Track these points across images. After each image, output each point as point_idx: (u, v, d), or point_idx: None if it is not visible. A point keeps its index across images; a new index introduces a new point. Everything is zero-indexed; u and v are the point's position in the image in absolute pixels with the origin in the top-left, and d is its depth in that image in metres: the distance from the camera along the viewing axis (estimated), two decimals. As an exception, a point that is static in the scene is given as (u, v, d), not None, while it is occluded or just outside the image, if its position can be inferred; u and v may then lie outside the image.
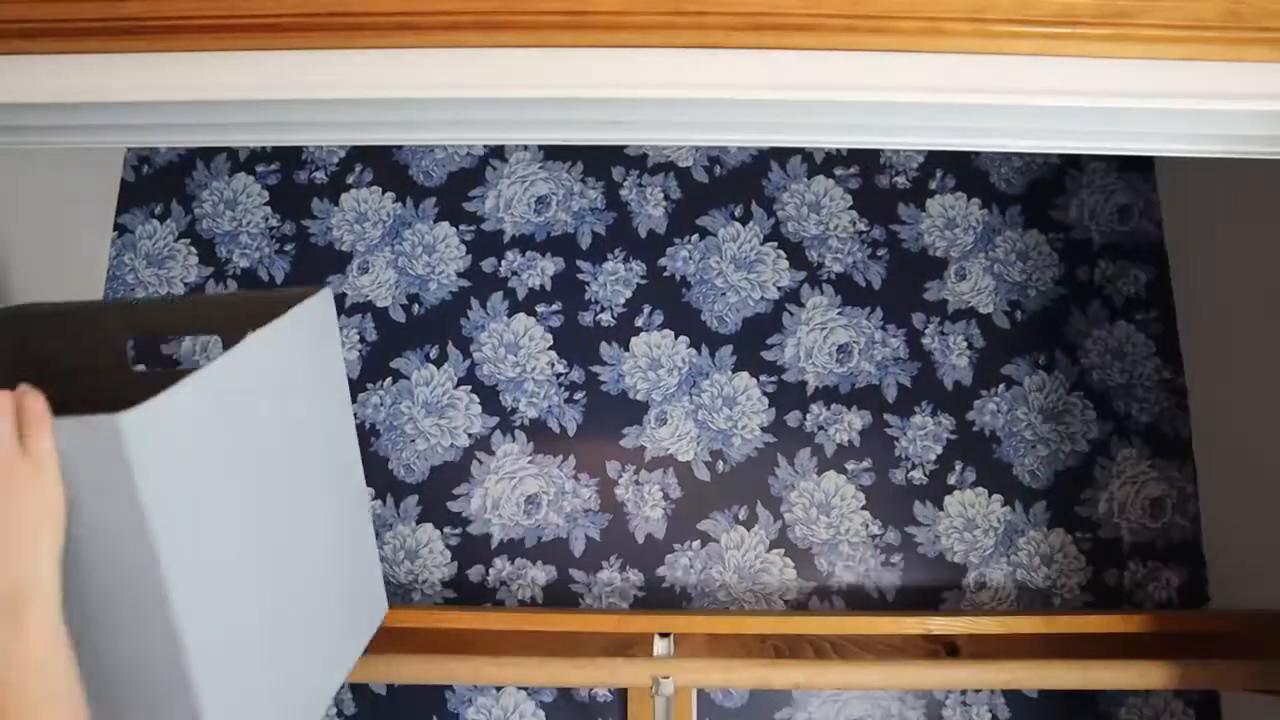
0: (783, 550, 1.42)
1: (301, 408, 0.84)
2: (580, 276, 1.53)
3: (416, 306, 1.53)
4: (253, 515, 0.75)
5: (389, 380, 1.50)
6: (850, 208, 1.55)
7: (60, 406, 0.60)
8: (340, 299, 1.53)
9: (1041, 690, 1.35)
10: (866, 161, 1.57)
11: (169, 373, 0.87)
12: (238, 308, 0.94)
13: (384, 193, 1.58)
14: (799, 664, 1.18)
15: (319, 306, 0.85)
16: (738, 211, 1.55)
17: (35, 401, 0.58)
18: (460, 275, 1.54)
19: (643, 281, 1.53)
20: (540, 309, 1.52)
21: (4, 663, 0.52)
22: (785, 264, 1.53)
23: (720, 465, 1.46)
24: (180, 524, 0.63)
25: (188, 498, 0.65)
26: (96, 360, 0.95)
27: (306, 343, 0.84)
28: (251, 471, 0.76)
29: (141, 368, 1.33)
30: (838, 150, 1.58)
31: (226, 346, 0.77)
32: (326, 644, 0.89)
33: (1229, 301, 1.37)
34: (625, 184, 1.57)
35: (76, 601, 0.60)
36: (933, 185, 1.56)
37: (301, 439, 0.85)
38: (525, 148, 1.59)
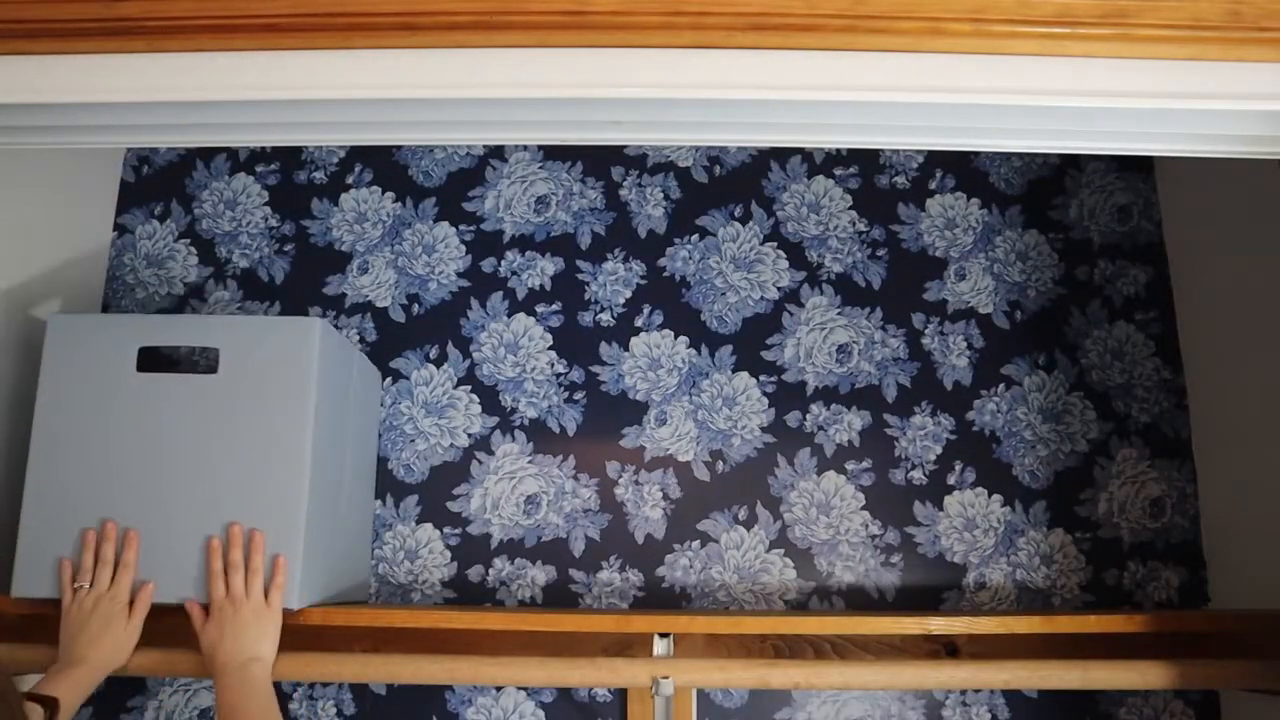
0: (782, 550, 1.42)
1: (355, 404, 1.35)
2: (580, 276, 1.53)
3: (416, 306, 1.53)
4: (334, 441, 1.25)
5: (389, 380, 1.50)
6: (850, 208, 1.55)
7: None
8: (340, 299, 1.53)
9: (1041, 690, 1.35)
10: (866, 161, 1.57)
11: None
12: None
13: (384, 193, 1.58)
14: (799, 664, 1.17)
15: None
16: (738, 211, 1.55)
17: (281, 573, 1.11)
18: (460, 275, 1.54)
19: (642, 281, 1.53)
20: (540, 309, 1.52)
21: (266, 681, 1.07)
22: (785, 264, 1.53)
23: (720, 465, 1.46)
24: (322, 414, 1.18)
25: (326, 396, 1.21)
26: None
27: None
28: (338, 415, 1.27)
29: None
30: (838, 150, 1.58)
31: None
32: (351, 566, 1.36)
33: (1229, 301, 1.37)
34: (625, 184, 1.57)
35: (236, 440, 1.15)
36: (932, 185, 1.56)
37: (356, 419, 1.36)
38: (525, 148, 1.59)
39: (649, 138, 0.93)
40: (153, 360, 1.20)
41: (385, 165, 1.59)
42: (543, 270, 1.54)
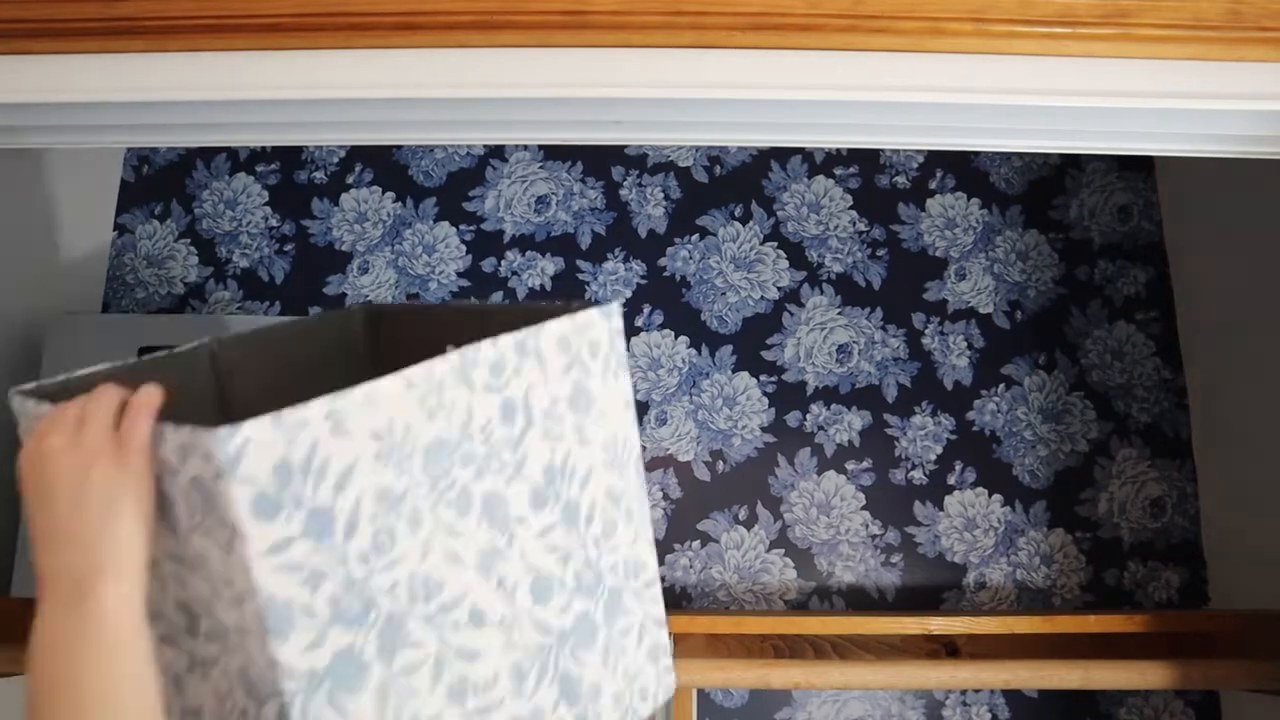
0: (783, 550, 1.42)
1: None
2: (580, 276, 1.53)
3: (416, 306, 1.53)
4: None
5: (389, 380, 1.50)
6: (850, 208, 1.55)
7: None
8: (340, 299, 1.53)
9: (1041, 690, 1.35)
10: (866, 161, 1.57)
11: None
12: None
13: (384, 193, 1.58)
14: (799, 664, 1.17)
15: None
16: (738, 211, 1.55)
17: (147, 393, 0.58)
18: (460, 275, 1.54)
19: (643, 281, 1.53)
20: (540, 309, 1.52)
21: (70, 646, 0.53)
22: (785, 264, 1.53)
23: (720, 465, 1.46)
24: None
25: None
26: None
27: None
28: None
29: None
30: (838, 150, 1.58)
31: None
32: None
33: (1229, 301, 1.37)
34: (625, 184, 1.57)
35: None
36: (933, 185, 1.56)
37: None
38: (525, 148, 1.59)
39: (649, 138, 0.93)
40: None
41: (385, 165, 1.59)
42: (543, 270, 1.54)
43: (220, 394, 0.80)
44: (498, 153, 1.59)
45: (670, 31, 0.80)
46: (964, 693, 1.37)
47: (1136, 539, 1.41)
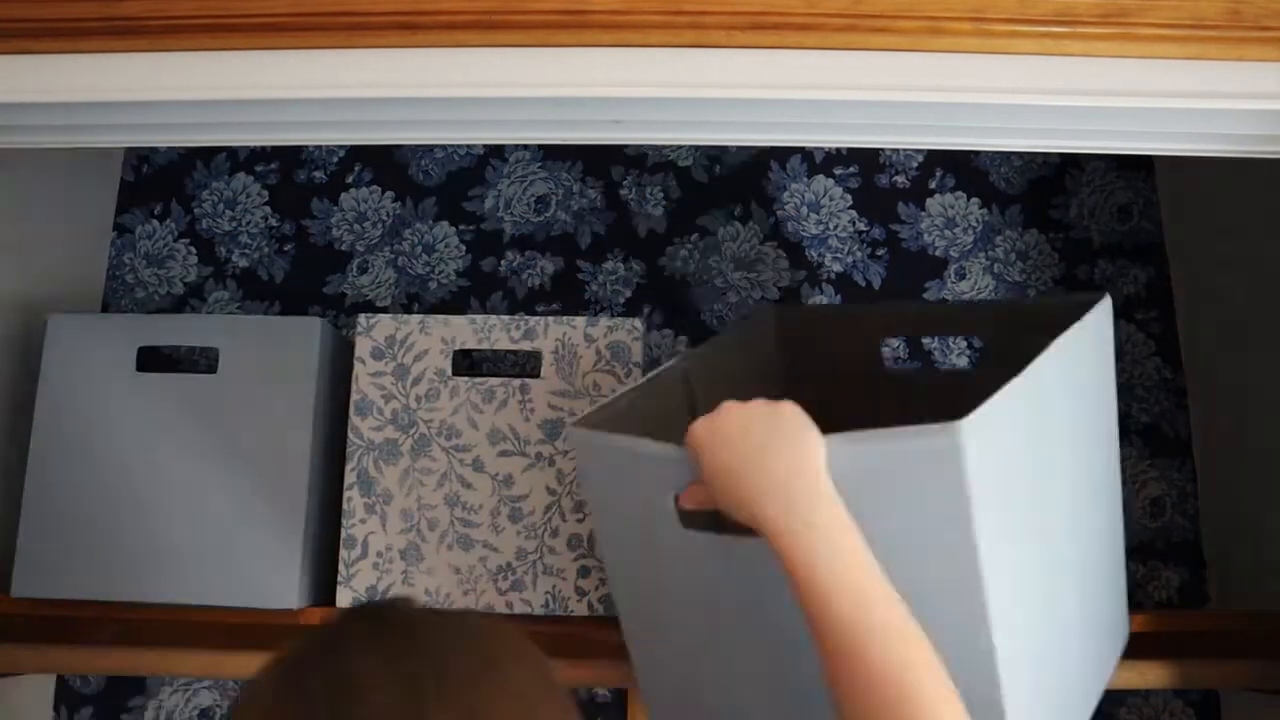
0: (783, 550, 1.42)
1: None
2: (580, 276, 1.53)
3: (416, 306, 1.53)
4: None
5: (389, 380, 1.50)
6: (850, 207, 1.55)
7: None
8: (340, 298, 1.53)
9: (1041, 690, 1.35)
10: (866, 161, 1.57)
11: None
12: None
13: (383, 192, 1.58)
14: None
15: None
16: (737, 211, 1.55)
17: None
18: (460, 275, 1.54)
19: (642, 281, 1.53)
20: (540, 309, 1.52)
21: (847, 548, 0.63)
22: (785, 263, 1.53)
23: (720, 465, 1.45)
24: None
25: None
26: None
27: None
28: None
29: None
30: (838, 150, 1.58)
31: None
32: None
33: (1229, 301, 1.37)
34: (625, 184, 1.57)
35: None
36: (933, 185, 1.55)
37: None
38: (525, 148, 1.59)
39: (649, 137, 0.93)
40: (153, 360, 1.20)
41: (385, 165, 1.59)
42: (543, 270, 1.54)
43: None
44: (497, 153, 1.59)
45: (670, 31, 0.80)
46: (964, 692, 1.37)
47: (1136, 539, 1.41)
